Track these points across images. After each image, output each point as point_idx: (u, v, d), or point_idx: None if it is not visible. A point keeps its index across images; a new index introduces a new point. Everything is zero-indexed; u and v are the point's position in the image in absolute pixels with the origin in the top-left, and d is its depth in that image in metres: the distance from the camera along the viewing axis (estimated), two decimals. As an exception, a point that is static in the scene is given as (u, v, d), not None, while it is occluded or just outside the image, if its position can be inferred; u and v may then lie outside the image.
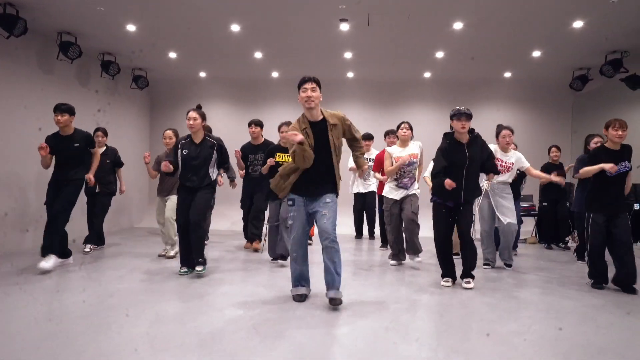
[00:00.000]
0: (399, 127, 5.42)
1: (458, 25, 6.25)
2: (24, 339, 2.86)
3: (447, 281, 4.43)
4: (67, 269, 4.87)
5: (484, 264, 5.39)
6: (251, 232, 6.31)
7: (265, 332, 3.02)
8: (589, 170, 4.34)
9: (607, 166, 4.18)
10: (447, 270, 4.46)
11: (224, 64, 8.65)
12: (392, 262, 5.45)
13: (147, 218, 9.59)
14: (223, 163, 4.80)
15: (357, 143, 3.91)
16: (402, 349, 2.78)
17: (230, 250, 6.31)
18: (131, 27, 6.50)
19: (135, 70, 8.81)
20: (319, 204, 3.61)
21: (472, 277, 4.40)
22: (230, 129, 9.09)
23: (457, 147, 4.33)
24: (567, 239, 7.46)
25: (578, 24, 6.08)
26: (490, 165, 4.45)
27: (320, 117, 3.64)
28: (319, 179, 3.62)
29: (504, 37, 6.78)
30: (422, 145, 5.39)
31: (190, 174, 4.57)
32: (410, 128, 5.38)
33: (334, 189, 3.67)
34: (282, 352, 2.69)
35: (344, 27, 6.34)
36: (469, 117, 4.26)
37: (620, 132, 4.24)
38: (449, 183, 4.13)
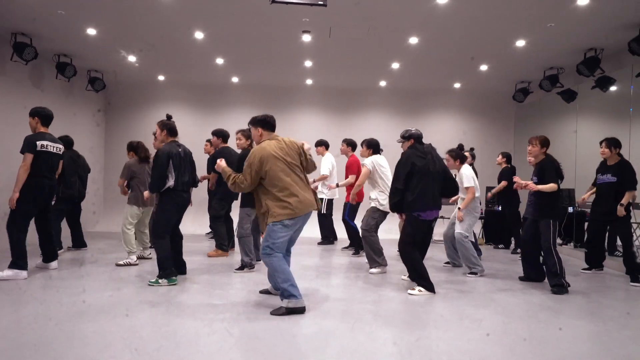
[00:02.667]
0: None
1: (414, 40, 6.64)
2: (23, 339, 2.89)
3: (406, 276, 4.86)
4: (69, 270, 5.01)
5: (445, 263, 5.96)
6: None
7: (238, 333, 3.18)
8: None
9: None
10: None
11: (184, 68, 8.66)
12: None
13: (102, 222, 9.40)
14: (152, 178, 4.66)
15: None
16: (370, 345, 3.03)
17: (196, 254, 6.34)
18: (92, 31, 6.43)
19: (91, 72, 8.63)
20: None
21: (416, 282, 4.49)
22: (188, 133, 9.07)
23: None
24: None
25: (520, 42, 6.64)
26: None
27: None
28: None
29: (454, 51, 7.26)
30: (368, 161, 5.51)
31: None
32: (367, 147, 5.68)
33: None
34: (258, 352, 2.87)
35: (306, 38, 6.58)
36: (401, 138, 4.75)
37: (529, 147, 4.92)
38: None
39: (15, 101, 6.87)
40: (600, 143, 5.39)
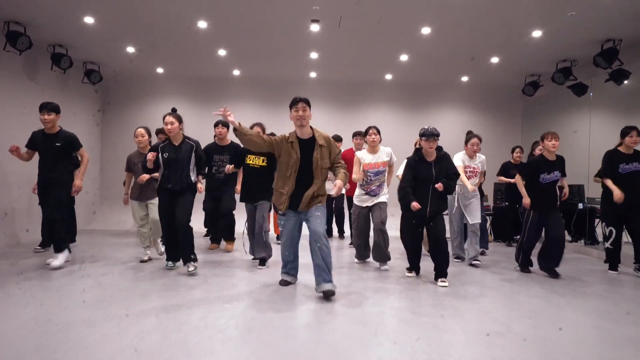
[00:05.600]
0: (367, 132, 5.29)
1: (426, 30, 6.39)
2: (23, 339, 2.85)
3: (411, 273, 4.88)
4: (69, 269, 4.91)
5: (455, 258, 5.81)
6: (222, 233, 6.23)
7: (252, 340, 2.95)
8: (520, 188, 5.12)
9: (525, 203, 5.07)
10: (412, 264, 4.91)
11: (184, 60, 8.36)
12: (357, 261, 5.67)
13: (98, 220, 9.12)
14: (199, 168, 4.84)
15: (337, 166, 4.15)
16: (381, 349, 2.81)
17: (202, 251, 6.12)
18: (89, 19, 6.12)
19: (87, 64, 8.31)
20: (311, 212, 3.98)
21: (446, 275, 4.59)
22: (187, 128, 8.76)
23: (424, 164, 4.60)
24: (517, 237, 7.88)
25: (537, 33, 6.40)
26: (449, 182, 4.62)
27: (310, 136, 3.97)
28: (303, 194, 3.97)
29: (467, 43, 7.02)
30: (391, 151, 5.30)
31: (170, 176, 4.65)
32: (378, 132, 5.28)
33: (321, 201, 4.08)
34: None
35: (315, 27, 6.31)
36: (436, 137, 4.53)
37: (554, 142, 4.88)
38: (414, 206, 4.46)
39: (8, 93, 6.57)
40: (629, 131, 5.14)
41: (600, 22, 6.00)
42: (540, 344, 2.98)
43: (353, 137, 6.85)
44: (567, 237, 7.55)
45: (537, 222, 5.04)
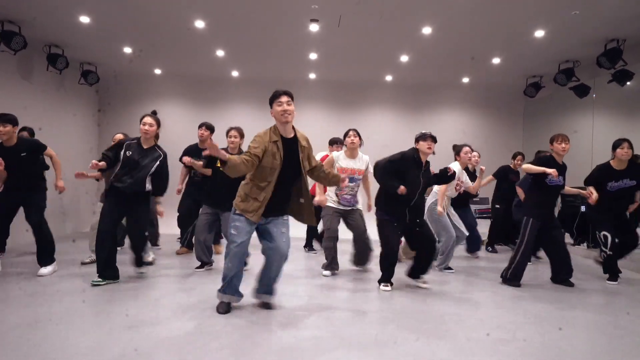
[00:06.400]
0: (346, 134, 5.03)
1: (427, 30, 6.29)
2: (23, 339, 2.86)
3: (387, 286, 4.39)
4: (69, 270, 4.90)
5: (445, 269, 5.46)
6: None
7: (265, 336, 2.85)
8: (533, 168, 4.58)
9: (550, 171, 4.42)
10: (389, 276, 4.44)
11: (182, 60, 8.27)
12: (325, 272, 5.04)
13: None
14: (158, 180, 4.40)
15: (318, 168, 3.76)
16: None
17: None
18: (85, 19, 6.02)
19: (84, 65, 8.22)
20: (276, 221, 3.54)
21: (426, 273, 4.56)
22: (186, 129, 8.70)
23: (416, 167, 4.32)
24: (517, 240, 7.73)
25: (539, 33, 6.30)
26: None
27: (292, 135, 3.53)
28: (285, 198, 3.56)
29: (467, 43, 6.92)
30: (369, 160, 5.04)
31: (125, 176, 4.22)
32: (359, 135, 5.02)
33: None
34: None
35: (314, 27, 6.21)
36: (434, 139, 4.33)
37: (564, 145, 4.59)
38: (402, 190, 4.11)
39: (2, 94, 6.47)
40: (620, 143, 4.90)
41: (604, 22, 5.90)
42: (546, 350, 2.90)
43: (331, 144, 6.31)
44: (570, 241, 7.44)
45: (536, 232, 4.61)
